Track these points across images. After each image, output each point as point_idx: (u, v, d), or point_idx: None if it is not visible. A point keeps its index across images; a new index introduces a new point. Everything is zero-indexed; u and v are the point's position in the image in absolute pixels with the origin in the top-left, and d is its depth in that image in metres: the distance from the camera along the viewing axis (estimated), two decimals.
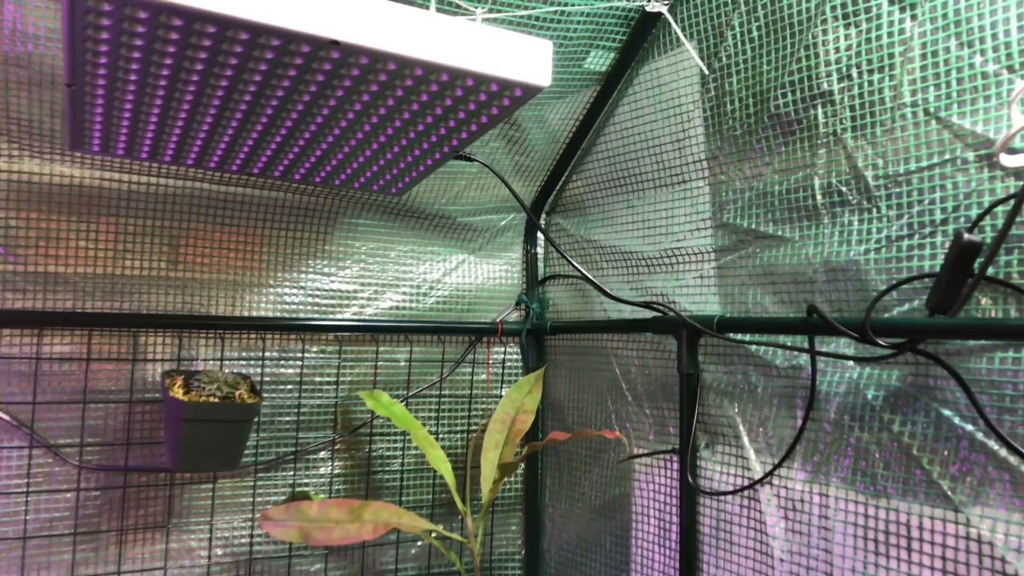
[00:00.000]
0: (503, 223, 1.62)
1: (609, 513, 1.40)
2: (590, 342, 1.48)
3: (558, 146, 1.44)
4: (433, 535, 1.43)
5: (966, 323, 0.80)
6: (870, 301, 0.89)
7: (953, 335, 0.83)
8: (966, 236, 0.74)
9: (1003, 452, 0.80)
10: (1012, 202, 0.73)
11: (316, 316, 1.46)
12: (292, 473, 1.44)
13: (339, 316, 1.48)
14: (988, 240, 0.80)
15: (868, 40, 0.92)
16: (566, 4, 1.10)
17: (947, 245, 0.84)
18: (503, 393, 1.60)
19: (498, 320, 1.61)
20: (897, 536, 0.89)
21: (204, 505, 1.37)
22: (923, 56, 0.87)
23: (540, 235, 1.64)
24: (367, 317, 1.50)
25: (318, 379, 1.46)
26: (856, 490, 0.94)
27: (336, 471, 1.48)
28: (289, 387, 1.44)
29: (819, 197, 0.99)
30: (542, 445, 1.37)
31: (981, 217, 0.79)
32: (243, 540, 1.40)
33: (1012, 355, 0.79)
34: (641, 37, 1.22)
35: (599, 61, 1.26)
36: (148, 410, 1.33)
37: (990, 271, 0.80)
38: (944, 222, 0.84)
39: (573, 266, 1.41)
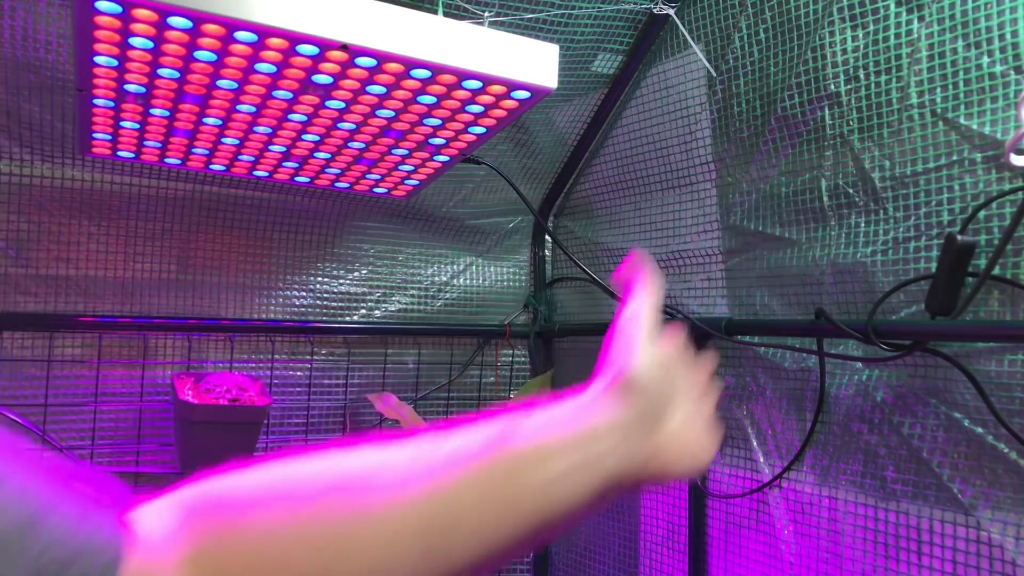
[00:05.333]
0: (511, 225, 1.62)
1: (617, 516, 1.40)
2: (598, 345, 1.47)
3: (566, 149, 1.45)
4: None
5: (971, 325, 0.80)
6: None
7: (957, 337, 0.82)
8: (960, 238, 0.75)
9: (1013, 455, 0.79)
10: (1011, 203, 0.73)
11: (325, 319, 1.46)
12: None
13: (348, 319, 1.48)
14: (981, 240, 0.80)
15: (875, 41, 0.92)
16: (573, 7, 1.10)
17: None
18: (511, 395, 1.60)
19: (506, 322, 1.61)
20: (907, 539, 0.89)
21: None
22: (930, 57, 0.86)
23: (548, 237, 1.64)
24: (376, 320, 1.51)
25: (327, 382, 1.47)
26: (866, 493, 0.94)
27: None
28: (298, 390, 1.44)
29: (826, 199, 0.99)
30: None
31: (969, 220, 0.80)
32: None
33: (1022, 357, 0.79)
34: (648, 39, 1.22)
35: (606, 64, 1.26)
36: (158, 413, 1.34)
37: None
38: (951, 224, 0.84)
39: (581, 268, 1.41)
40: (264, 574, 0.43)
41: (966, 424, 0.83)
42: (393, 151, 1.07)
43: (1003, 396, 0.80)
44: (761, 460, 1.09)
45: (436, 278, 1.57)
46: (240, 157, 1.10)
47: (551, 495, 0.48)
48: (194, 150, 1.07)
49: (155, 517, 0.44)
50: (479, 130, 0.99)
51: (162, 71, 0.80)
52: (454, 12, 1.00)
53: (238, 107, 0.90)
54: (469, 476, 0.47)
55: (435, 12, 0.82)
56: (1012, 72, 0.79)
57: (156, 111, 0.91)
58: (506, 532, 0.47)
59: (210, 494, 0.46)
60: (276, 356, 1.42)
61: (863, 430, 0.94)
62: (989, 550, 0.81)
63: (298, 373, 1.44)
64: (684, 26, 1.17)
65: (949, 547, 0.85)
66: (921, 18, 0.87)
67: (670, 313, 1.21)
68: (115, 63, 0.78)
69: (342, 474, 0.46)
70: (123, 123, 0.96)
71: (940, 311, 0.80)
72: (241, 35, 0.71)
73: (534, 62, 0.83)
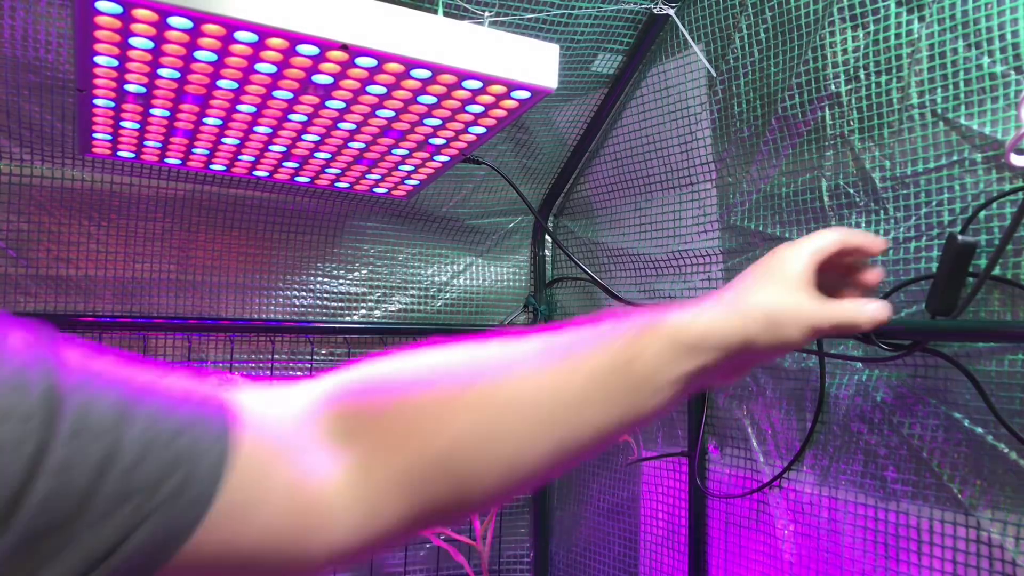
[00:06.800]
0: (511, 225, 1.62)
1: (617, 516, 1.40)
2: None
3: (566, 149, 1.45)
4: (442, 537, 1.43)
5: (971, 325, 0.80)
6: None
7: (957, 337, 0.82)
8: (961, 238, 0.74)
9: (1013, 455, 0.79)
10: (1012, 204, 0.73)
11: (325, 319, 1.46)
12: None
13: (348, 319, 1.48)
14: (982, 240, 0.80)
15: (876, 42, 0.92)
16: (573, 7, 1.10)
17: None
18: None
19: (506, 322, 1.61)
20: (907, 540, 0.89)
21: None
22: (931, 57, 0.86)
23: (548, 237, 1.64)
24: (376, 320, 1.50)
25: None
26: (866, 493, 0.94)
27: None
28: None
29: (826, 199, 0.99)
30: None
31: (970, 220, 0.80)
32: None
33: (1022, 357, 0.79)
34: (648, 39, 1.22)
35: (606, 64, 1.26)
36: None
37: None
38: (952, 224, 0.84)
39: (581, 268, 1.41)
40: (412, 443, 0.46)
41: (966, 424, 0.83)
42: (393, 151, 1.07)
43: (1003, 396, 0.80)
44: (761, 460, 1.09)
45: (436, 278, 1.57)
46: (240, 157, 1.10)
47: (661, 382, 0.54)
48: (194, 150, 1.07)
49: (283, 395, 0.47)
50: (479, 130, 0.99)
51: (162, 71, 0.80)
52: (454, 12, 1.00)
53: (238, 107, 0.90)
54: (601, 359, 0.51)
55: (435, 12, 0.82)
56: (1012, 72, 0.79)
57: (156, 111, 0.91)
58: (618, 418, 0.52)
59: (350, 379, 0.49)
60: (276, 356, 1.42)
61: (863, 430, 0.94)
62: (989, 550, 0.81)
63: (298, 373, 1.44)
64: (684, 26, 1.17)
65: (949, 547, 0.85)
66: (922, 18, 0.87)
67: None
68: (115, 63, 0.78)
69: (481, 360, 0.50)
70: (123, 123, 0.96)
71: (940, 311, 0.80)
72: (241, 35, 0.71)
73: (534, 62, 0.83)
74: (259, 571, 0.41)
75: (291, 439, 0.43)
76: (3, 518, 0.30)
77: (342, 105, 0.89)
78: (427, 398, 0.47)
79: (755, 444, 1.10)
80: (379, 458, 0.45)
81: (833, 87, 0.97)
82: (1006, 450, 0.79)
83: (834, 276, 0.70)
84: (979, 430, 0.82)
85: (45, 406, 0.32)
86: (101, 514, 0.33)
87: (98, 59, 0.77)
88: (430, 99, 0.88)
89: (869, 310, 0.66)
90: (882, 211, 0.92)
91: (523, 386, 0.48)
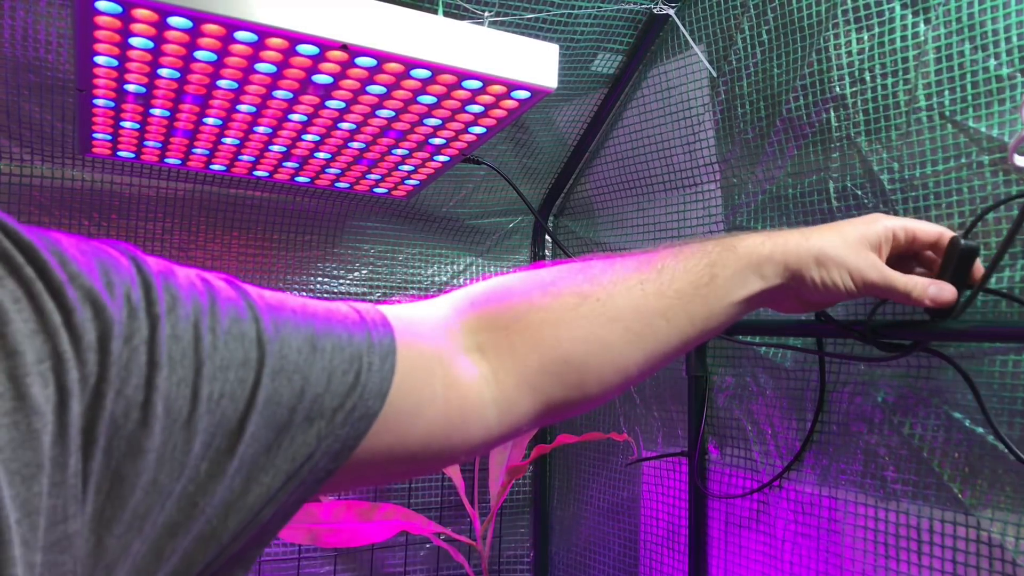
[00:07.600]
0: (511, 225, 1.62)
1: (617, 516, 1.40)
2: None
3: (566, 149, 1.44)
4: (442, 537, 1.43)
5: (971, 325, 0.80)
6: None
7: (957, 338, 0.82)
8: (963, 242, 0.74)
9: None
10: (1016, 207, 0.73)
11: None
12: None
13: None
14: (982, 240, 0.80)
15: (881, 44, 0.92)
16: (574, 7, 1.10)
17: None
18: None
19: None
20: (907, 539, 0.89)
21: None
22: (937, 60, 0.86)
23: (548, 237, 1.64)
24: None
25: None
26: (866, 493, 0.94)
27: None
28: None
29: (834, 201, 0.98)
30: (550, 448, 1.36)
31: (974, 224, 0.80)
32: None
33: None
34: (648, 40, 1.22)
35: (606, 64, 1.26)
36: None
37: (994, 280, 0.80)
38: (961, 226, 0.84)
39: None
40: (530, 341, 0.55)
41: (967, 424, 0.83)
42: (393, 151, 1.07)
43: (1005, 397, 0.80)
44: (761, 460, 1.09)
45: (436, 278, 1.57)
46: (240, 157, 1.09)
47: (733, 300, 0.63)
48: (194, 150, 1.07)
49: (426, 311, 0.55)
50: (479, 130, 0.99)
51: (162, 71, 0.80)
52: (454, 12, 1.00)
53: (238, 107, 0.90)
54: (688, 279, 0.60)
55: (435, 12, 0.82)
56: (1019, 74, 0.79)
57: (156, 111, 0.91)
58: (697, 330, 0.61)
59: (477, 290, 0.58)
60: None
61: (863, 430, 0.94)
62: (989, 550, 0.81)
63: None
64: (685, 27, 1.17)
65: (949, 547, 0.85)
66: (927, 20, 0.87)
67: None
68: (115, 63, 0.78)
69: (589, 278, 0.58)
70: (123, 123, 0.95)
71: (940, 313, 0.80)
72: (241, 35, 0.71)
73: (534, 62, 0.83)
74: (423, 461, 0.49)
75: (442, 349, 0.51)
76: (229, 447, 0.36)
77: (342, 105, 0.89)
78: (547, 314, 0.55)
79: (755, 444, 1.10)
80: (509, 366, 0.54)
81: (838, 89, 0.97)
82: (1006, 450, 0.79)
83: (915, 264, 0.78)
84: (980, 430, 0.82)
85: (257, 350, 0.38)
86: (291, 439, 0.39)
87: (98, 59, 0.76)
88: (430, 99, 0.88)
89: (932, 288, 0.72)
90: (891, 213, 0.91)
91: (624, 304, 0.57)
